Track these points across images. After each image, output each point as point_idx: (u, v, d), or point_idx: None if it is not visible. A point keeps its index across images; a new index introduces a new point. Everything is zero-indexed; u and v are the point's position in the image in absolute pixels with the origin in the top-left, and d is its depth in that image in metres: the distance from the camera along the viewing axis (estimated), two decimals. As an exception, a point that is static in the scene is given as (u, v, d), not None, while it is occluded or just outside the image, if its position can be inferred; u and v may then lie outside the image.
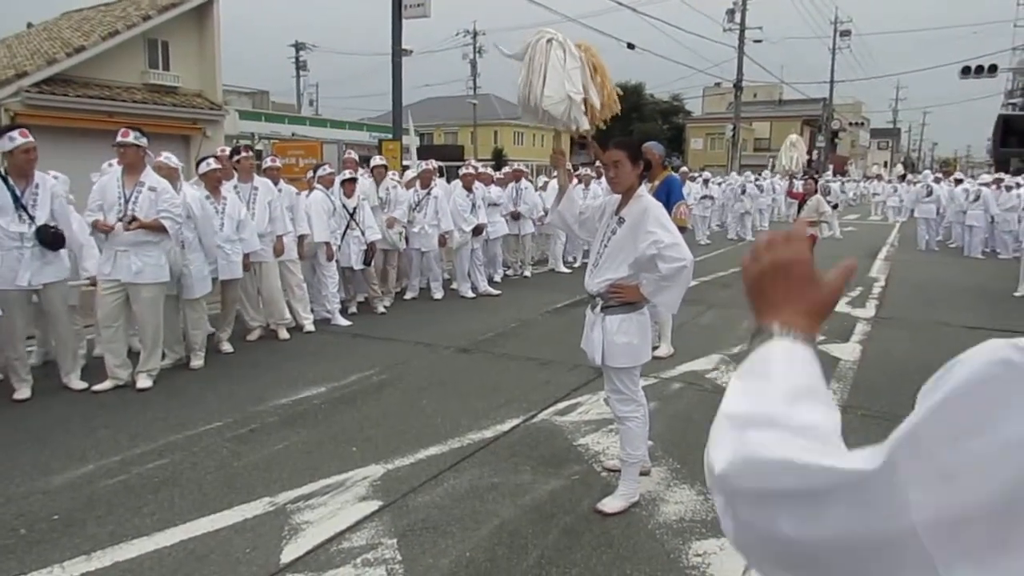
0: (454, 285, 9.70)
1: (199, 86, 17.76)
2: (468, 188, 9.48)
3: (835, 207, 17.75)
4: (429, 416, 4.78)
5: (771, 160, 25.80)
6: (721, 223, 19.70)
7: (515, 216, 10.72)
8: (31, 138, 5.02)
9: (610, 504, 3.45)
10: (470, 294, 9.45)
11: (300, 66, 45.40)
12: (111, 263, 5.29)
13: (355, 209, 7.85)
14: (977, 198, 15.40)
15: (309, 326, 7.32)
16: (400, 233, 8.64)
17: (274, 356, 6.42)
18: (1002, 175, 17.10)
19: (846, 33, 45.59)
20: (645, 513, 3.45)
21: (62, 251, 5.22)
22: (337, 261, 7.73)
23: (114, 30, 15.67)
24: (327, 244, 7.50)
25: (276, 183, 7.15)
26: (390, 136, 16.85)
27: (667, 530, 3.30)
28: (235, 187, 6.70)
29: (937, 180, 18.81)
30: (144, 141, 5.35)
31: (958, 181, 17.70)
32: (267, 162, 7.55)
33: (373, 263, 8.18)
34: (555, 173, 4.02)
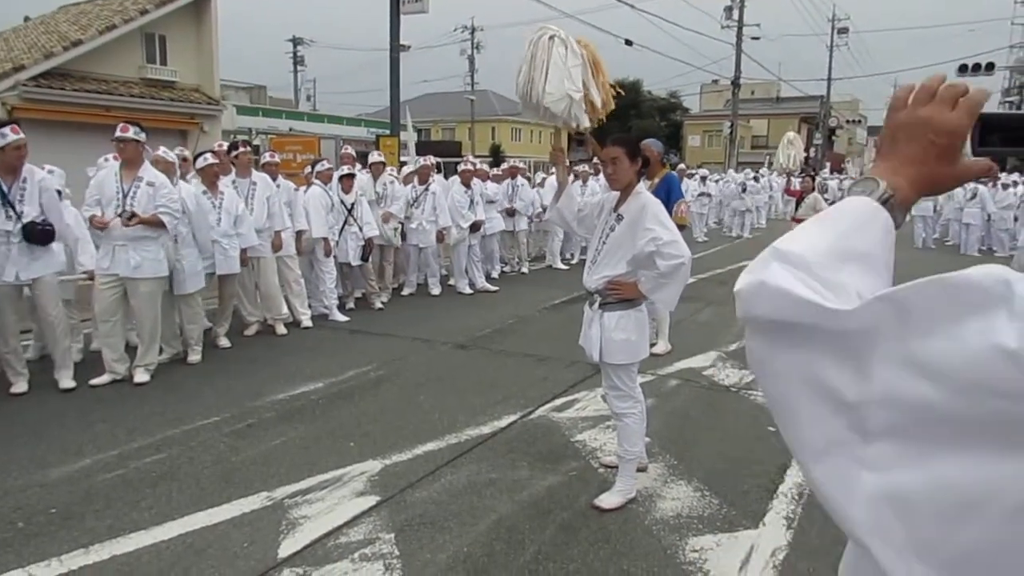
0: (451, 281, 9.71)
1: (196, 81, 17.70)
2: (467, 184, 9.48)
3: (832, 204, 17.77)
4: (426, 412, 4.79)
5: (768, 158, 25.82)
6: (719, 220, 19.72)
7: (510, 213, 10.73)
8: (22, 135, 4.96)
9: (607, 500, 3.46)
10: (467, 290, 9.45)
11: (298, 61, 45.33)
12: (109, 258, 5.28)
13: (353, 205, 7.85)
14: (974, 196, 15.45)
15: (307, 322, 7.32)
16: (396, 229, 8.63)
17: (271, 351, 6.42)
18: (998, 173, 17.14)
19: (844, 30, 45.54)
20: (642, 509, 3.47)
21: (52, 245, 5.17)
22: (335, 257, 7.73)
23: (111, 24, 15.62)
24: (325, 240, 7.50)
25: (274, 178, 7.14)
26: (388, 132, 16.84)
27: (664, 526, 3.31)
28: (233, 182, 6.69)
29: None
30: (143, 136, 5.34)
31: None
32: (265, 157, 7.55)
33: (370, 259, 8.18)
34: (553, 169, 4.02)
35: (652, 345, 5.91)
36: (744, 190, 18.61)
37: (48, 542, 3.13)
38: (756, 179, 20.01)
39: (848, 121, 57.17)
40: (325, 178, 7.77)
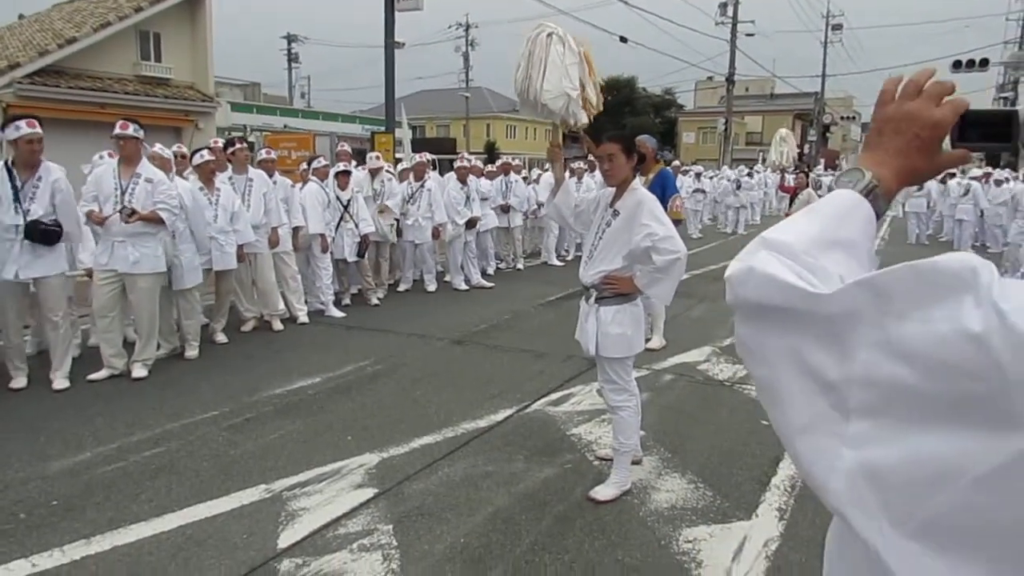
0: (447, 277, 9.74)
1: (191, 78, 17.68)
2: (463, 181, 9.51)
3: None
4: (423, 406, 4.83)
5: (761, 154, 25.90)
6: (713, 217, 19.77)
7: (504, 209, 10.76)
8: (38, 129, 4.94)
9: (602, 492, 3.51)
10: (463, 286, 9.49)
11: (292, 58, 45.17)
12: (108, 254, 5.30)
13: (349, 201, 7.88)
14: (967, 192, 15.53)
15: (303, 317, 7.35)
16: (391, 225, 8.66)
17: (268, 347, 6.45)
18: (991, 169, 17.25)
19: (838, 27, 45.65)
20: (637, 501, 3.52)
21: (59, 246, 5.13)
22: (331, 253, 7.75)
23: (106, 21, 15.59)
24: (322, 236, 7.53)
25: (271, 175, 7.17)
26: (383, 129, 16.84)
27: (658, 517, 3.36)
28: (230, 179, 6.71)
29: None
30: (142, 133, 5.36)
31: (951, 175, 17.85)
32: (262, 154, 7.57)
33: (367, 255, 8.21)
34: (547, 166, 4.06)
35: (647, 340, 5.96)
36: (738, 187, 18.65)
37: (50, 533, 3.16)
38: (750, 175, 20.05)
39: (842, 118, 57.32)
40: (322, 175, 7.80)
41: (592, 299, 3.50)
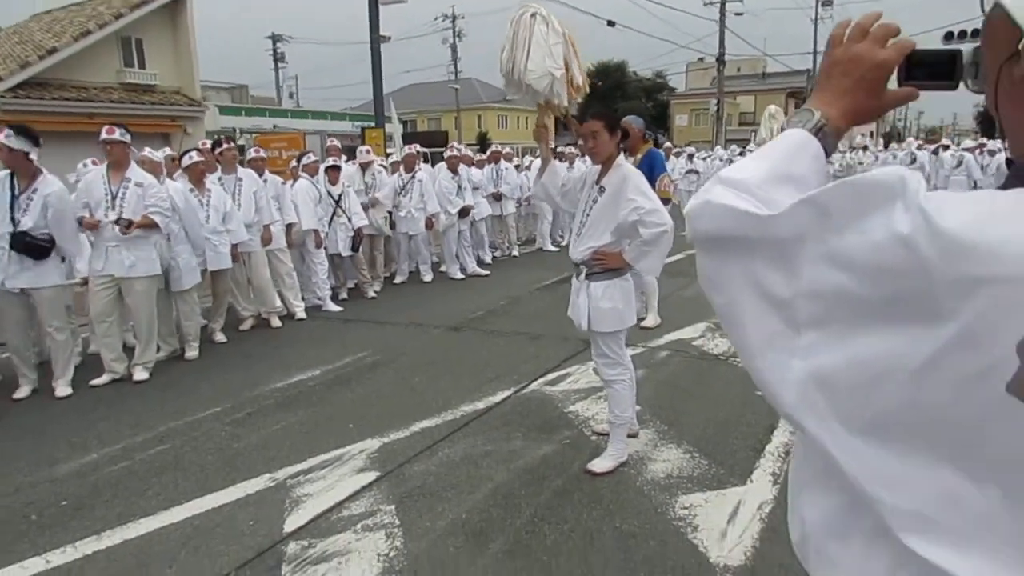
0: (443, 268, 9.80)
1: (177, 83, 17.67)
2: (453, 170, 9.54)
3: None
4: (422, 393, 4.90)
5: (752, 134, 25.87)
6: (707, 197, 19.75)
7: (496, 197, 10.80)
8: (20, 145, 4.90)
9: (599, 464, 3.57)
10: (459, 275, 9.54)
11: (278, 58, 45.05)
12: (103, 259, 5.34)
13: (340, 196, 7.92)
14: (960, 163, 15.58)
15: (301, 313, 7.40)
16: (384, 218, 8.71)
17: (267, 344, 6.51)
18: (985, 140, 17.28)
19: (828, 2, 45.39)
20: (633, 472, 3.59)
21: (49, 260, 5.09)
22: (325, 248, 7.80)
23: (86, 30, 15.56)
24: (315, 232, 7.57)
25: (261, 173, 7.20)
26: (373, 124, 16.84)
27: (655, 486, 3.43)
28: (219, 179, 6.75)
29: (920, 148, 19.01)
30: (128, 137, 5.39)
31: (944, 147, 17.87)
32: (251, 153, 7.59)
33: (361, 249, 8.26)
34: (539, 153, 4.09)
35: (641, 319, 6.03)
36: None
37: (61, 531, 3.23)
38: (742, 155, 20.05)
39: (833, 93, 56.95)
40: (312, 171, 7.83)
41: (583, 275, 3.55)
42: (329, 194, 7.86)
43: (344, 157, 9.07)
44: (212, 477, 3.72)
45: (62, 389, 5.23)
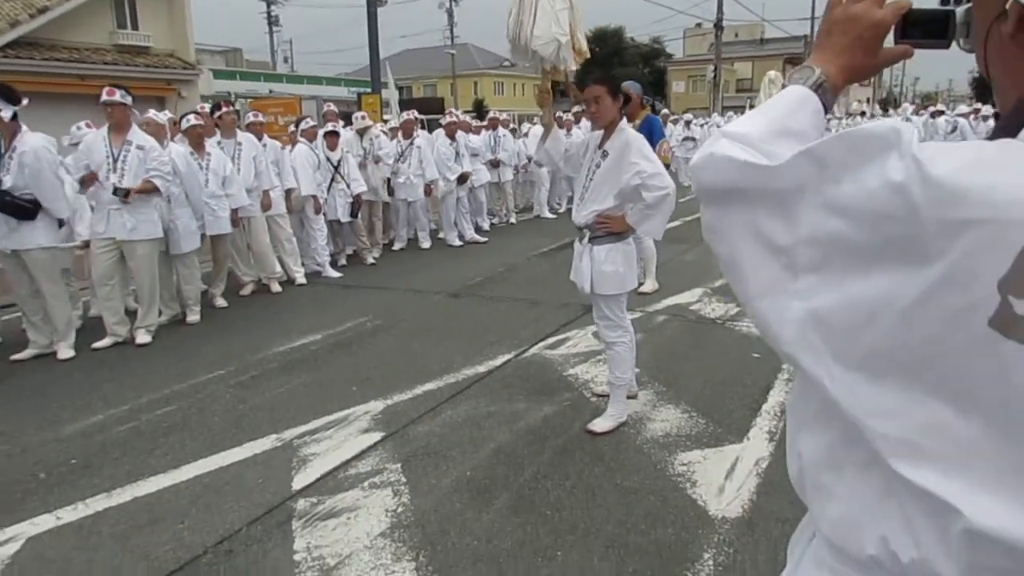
0: (441, 234, 9.80)
1: (171, 46, 17.41)
2: (451, 137, 9.50)
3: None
4: (423, 357, 4.95)
5: (749, 101, 25.69)
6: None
7: (494, 164, 10.76)
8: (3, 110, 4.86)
9: (600, 424, 3.64)
10: (457, 242, 9.56)
11: (272, 21, 44.27)
12: (104, 222, 5.34)
13: (339, 162, 7.88)
14: (954, 129, 15.54)
15: (300, 279, 7.43)
16: (383, 182, 8.69)
17: (268, 309, 6.55)
18: (979, 105, 17.21)
19: (826, -34, 44.73)
20: (633, 431, 3.66)
21: (37, 221, 5.05)
22: (324, 214, 7.79)
23: (78, -11, 15.27)
24: (314, 197, 7.55)
25: (260, 138, 7.16)
26: (369, 90, 16.67)
27: (654, 444, 3.51)
28: (219, 143, 6.71)
29: (916, 113, 18.95)
30: (129, 99, 5.34)
31: (940, 112, 17.80)
32: (250, 117, 7.54)
33: (360, 215, 8.25)
34: (537, 120, 4.09)
35: (640, 284, 6.07)
36: (729, 133, 18.55)
37: (71, 489, 3.29)
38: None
39: (832, 60, 56.48)
40: (310, 136, 7.79)
41: (586, 239, 3.58)
42: (328, 160, 7.82)
43: (341, 123, 9.00)
44: (219, 437, 3.77)
45: (64, 351, 5.26)
